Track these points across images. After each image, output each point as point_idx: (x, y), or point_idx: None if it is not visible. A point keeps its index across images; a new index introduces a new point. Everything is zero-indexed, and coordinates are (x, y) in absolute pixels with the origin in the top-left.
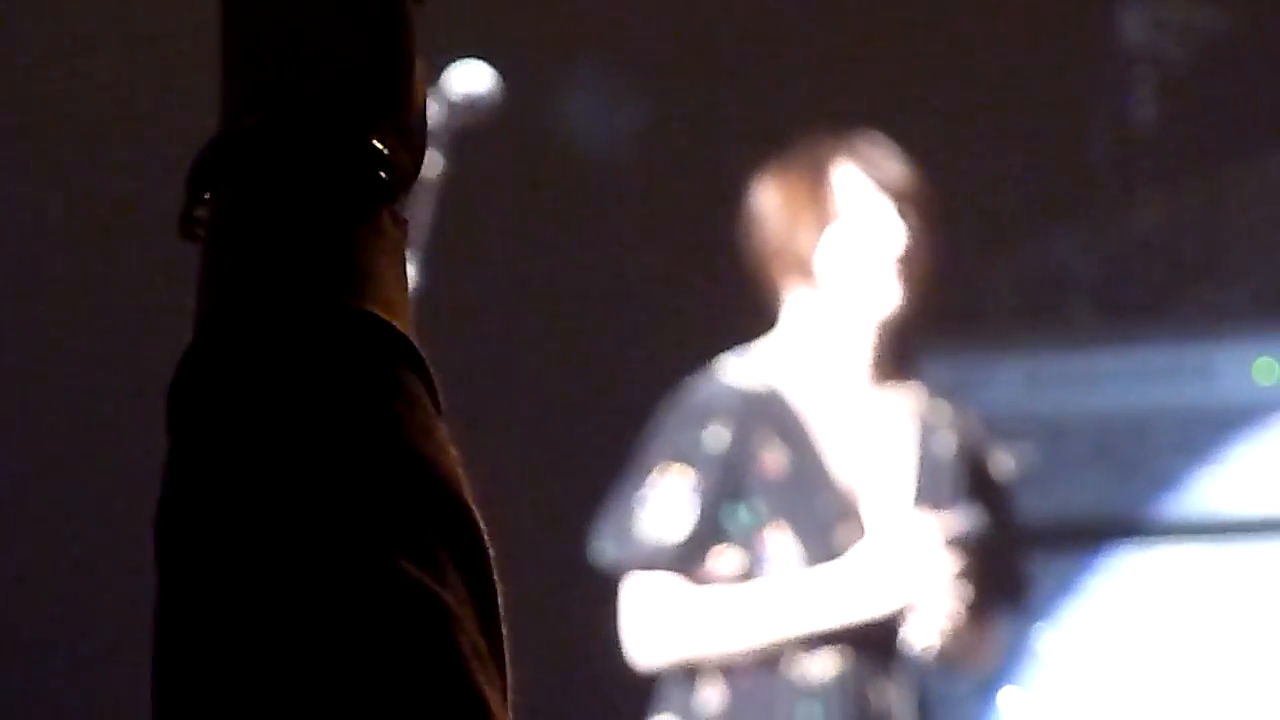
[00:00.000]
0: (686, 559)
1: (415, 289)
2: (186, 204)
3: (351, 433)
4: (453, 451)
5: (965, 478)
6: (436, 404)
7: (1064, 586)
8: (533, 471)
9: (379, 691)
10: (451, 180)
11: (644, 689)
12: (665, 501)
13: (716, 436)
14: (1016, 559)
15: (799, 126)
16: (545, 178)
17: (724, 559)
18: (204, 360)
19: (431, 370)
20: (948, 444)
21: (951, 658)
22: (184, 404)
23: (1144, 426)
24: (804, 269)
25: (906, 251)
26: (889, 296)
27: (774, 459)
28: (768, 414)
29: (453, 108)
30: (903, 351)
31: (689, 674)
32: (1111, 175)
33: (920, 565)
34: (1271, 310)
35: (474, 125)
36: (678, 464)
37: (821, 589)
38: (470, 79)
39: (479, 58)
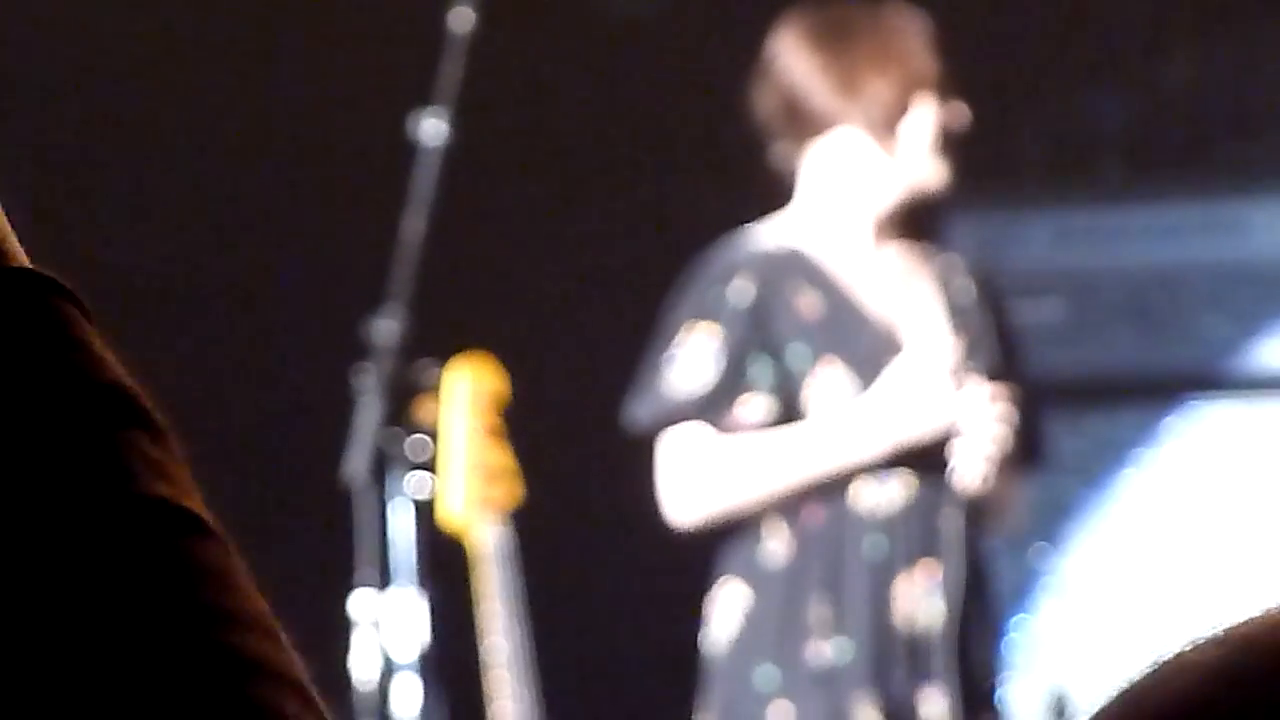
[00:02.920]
0: (711, 408)
1: (444, 141)
2: None
3: (31, 364)
4: (112, 355)
5: (985, 325)
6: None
7: (1096, 443)
8: (567, 344)
9: None
10: (481, 38)
11: (704, 557)
12: (690, 358)
13: (741, 291)
14: (1033, 412)
15: None
16: (573, 35)
17: (750, 406)
18: None
19: (80, 297)
20: (965, 290)
21: (982, 505)
22: None
23: (1176, 282)
24: (881, 125)
25: (937, 130)
26: (922, 171)
27: (808, 303)
28: (793, 266)
29: None
30: (920, 212)
31: (751, 529)
32: (1142, 29)
33: (957, 384)
34: None
35: None
36: (703, 321)
37: (865, 417)
38: None
39: None
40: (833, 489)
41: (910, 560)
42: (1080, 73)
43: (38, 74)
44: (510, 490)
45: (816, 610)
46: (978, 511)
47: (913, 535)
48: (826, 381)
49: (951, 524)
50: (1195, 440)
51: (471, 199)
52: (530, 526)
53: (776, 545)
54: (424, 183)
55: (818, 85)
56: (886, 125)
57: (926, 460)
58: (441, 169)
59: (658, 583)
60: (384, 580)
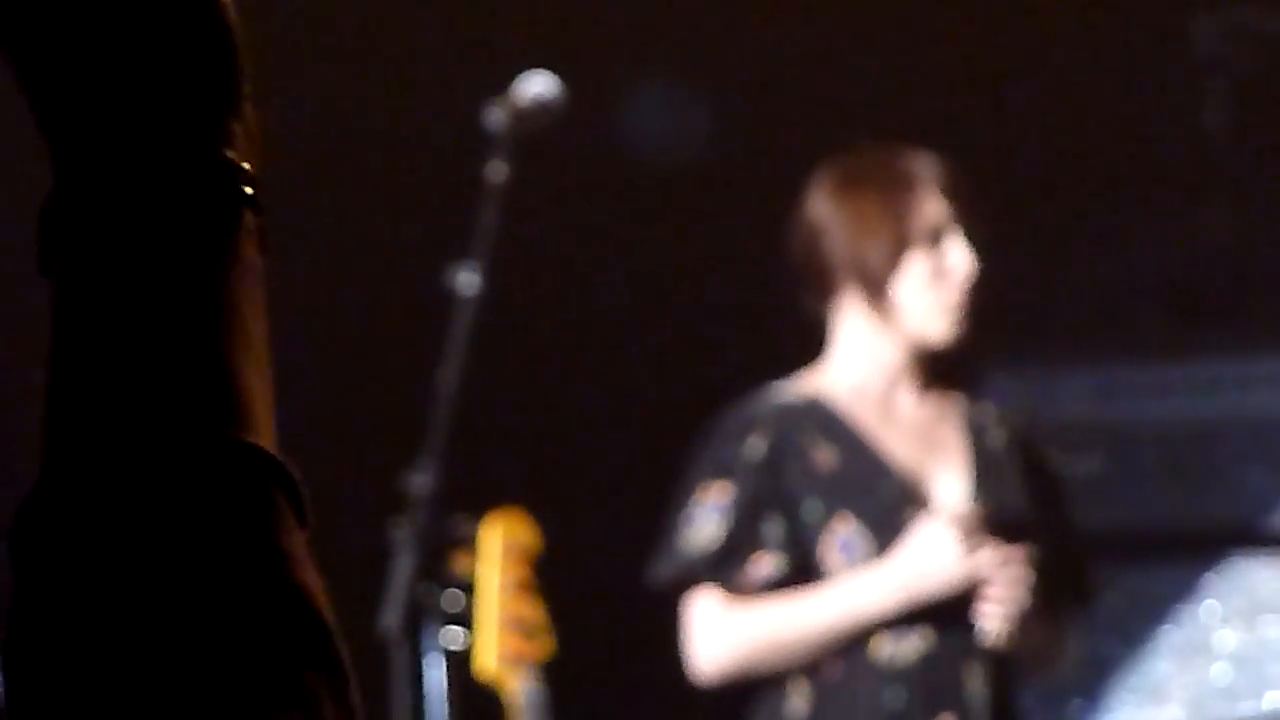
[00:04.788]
0: (722, 568)
1: (477, 292)
2: (40, 254)
3: (224, 569)
4: (315, 573)
5: (1019, 474)
6: (304, 519)
7: (1134, 598)
8: (599, 497)
9: None
10: (515, 186)
11: (734, 713)
12: (702, 516)
13: (753, 447)
14: (1077, 555)
15: (859, 137)
16: (607, 186)
17: (762, 564)
18: (56, 502)
19: (299, 483)
20: (998, 439)
21: (1021, 654)
22: (32, 547)
23: (1214, 437)
24: (872, 284)
25: (978, 281)
26: (956, 325)
27: (823, 457)
28: (811, 419)
29: (519, 114)
30: (952, 362)
31: (776, 684)
32: (1182, 183)
33: (977, 544)
34: None
35: (539, 132)
36: (717, 480)
37: (883, 579)
38: (536, 87)
39: (545, 66)
40: (852, 643)
41: (930, 713)
42: (1119, 226)
43: None
44: (543, 644)
45: None
46: (1006, 667)
47: (932, 687)
48: (840, 537)
49: (975, 679)
50: (1235, 596)
51: (505, 351)
52: (561, 680)
53: (798, 701)
54: (458, 334)
55: (833, 237)
56: (878, 282)
57: (946, 613)
58: (475, 321)
59: None
60: None
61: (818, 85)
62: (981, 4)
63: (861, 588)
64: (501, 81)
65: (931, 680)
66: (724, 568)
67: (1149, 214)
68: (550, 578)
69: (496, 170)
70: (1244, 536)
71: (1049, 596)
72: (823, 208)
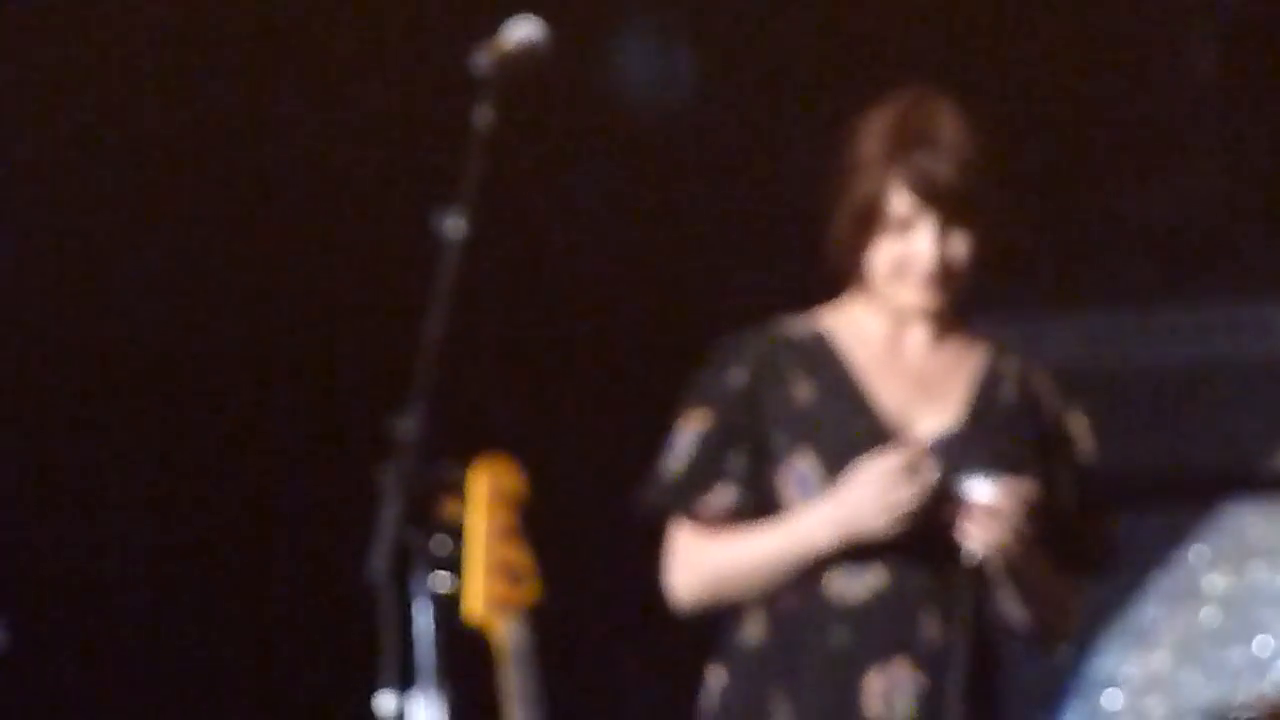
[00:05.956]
0: (682, 495)
1: (463, 237)
2: None
3: None
4: None
5: (1028, 428)
6: None
7: (1123, 544)
8: (586, 442)
9: None
10: (500, 132)
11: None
12: (679, 442)
13: (736, 377)
14: (1087, 522)
15: (848, 80)
16: (593, 131)
17: (719, 494)
18: None
19: None
20: (1012, 392)
21: (1030, 621)
22: None
23: (1202, 382)
24: (844, 262)
25: (950, 260)
26: (936, 299)
27: (803, 392)
28: (802, 353)
29: (505, 59)
30: (967, 310)
31: (737, 612)
32: (1170, 128)
33: (923, 480)
34: None
35: (525, 77)
36: (699, 408)
37: (818, 516)
38: (523, 31)
39: (531, 11)
40: (808, 577)
41: (881, 655)
42: (1107, 172)
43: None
44: (530, 589)
45: (776, 696)
46: (975, 614)
47: (883, 628)
48: (798, 471)
49: (932, 623)
50: (1223, 540)
51: (491, 297)
52: (547, 625)
53: (753, 629)
54: (444, 280)
55: (871, 179)
56: (848, 263)
57: (905, 552)
58: (462, 266)
59: (676, 672)
60: (405, 679)
61: (806, 27)
62: None
63: (803, 523)
64: (488, 26)
65: (883, 621)
66: (687, 496)
67: (1137, 159)
68: (536, 523)
69: (483, 115)
70: (1232, 481)
71: (1055, 559)
72: (863, 152)
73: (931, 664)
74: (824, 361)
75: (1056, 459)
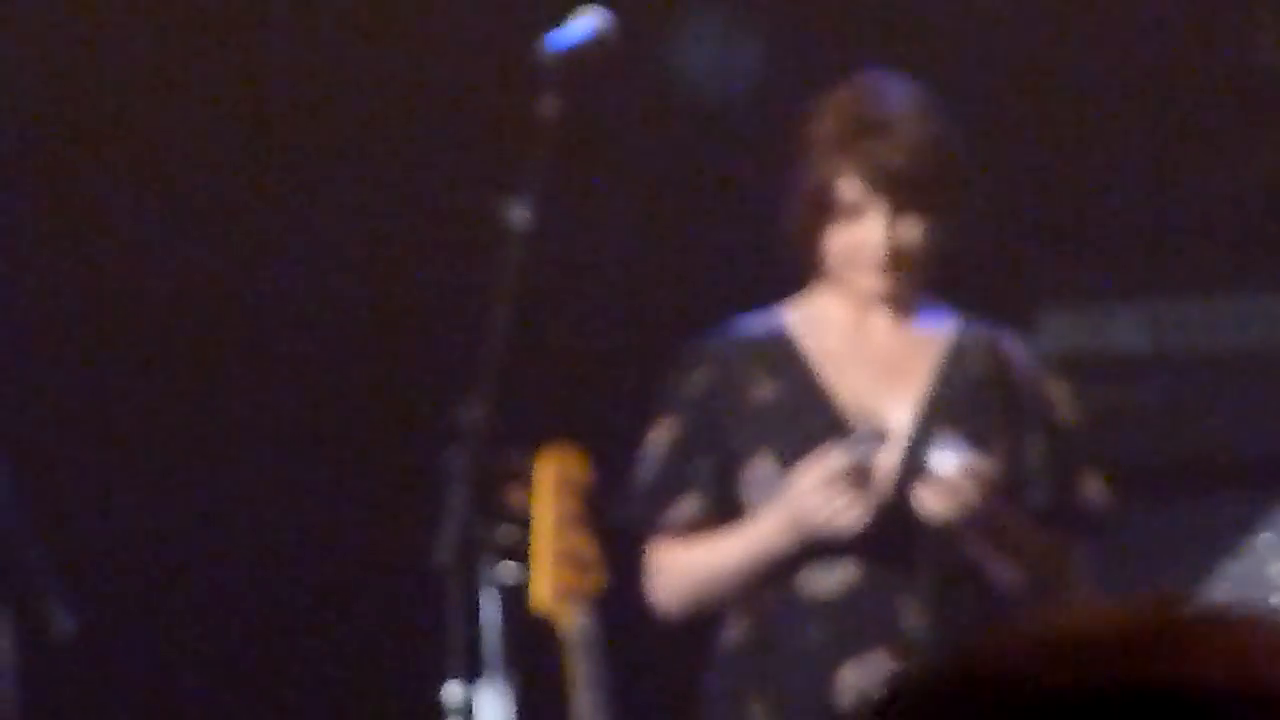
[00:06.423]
0: (651, 508)
1: (529, 227)
2: None
3: None
4: None
5: (998, 400)
6: None
7: (1191, 530)
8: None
9: None
10: (567, 122)
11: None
12: (648, 454)
13: (695, 383)
14: (1072, 482)
15: (904, 63)
16: (659, 121)
17: (685, 505)
18: None
19: None
20: (978, 365)
21: (1022, 582)
22: None
23: (1269, 369)
24: (798, 249)
25: (902, 246)
26: (891, 282)
27: (762, 392)
28: (761, 352)
29: (572, 50)
30: (948, 284)
31: (721, 615)
32: (1234, 114)
33: (872, 474)
34: None
35: (592, 67)
36: (664, 417)
37: (772, 518)
38: (590, 22)
39: (597, 1)
40: (782, 576)
41: (859, 649)
42: (1171, 158)
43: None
44: (596, 578)
45: (753, 695)
46: (953, 597)
47: (858, 622)
48: (757, 473)
49: (912, 612)
50: None
51: (557, 285)
52: (613, 614)
53: (735, 632)
54: (510, 268)
55: (821, 166)
56: (802, 250)
57: (876, 545)
58: (527, 255)
59: None
60: (472, 668)
61: (868, 13)
62: None
63: (759, 528)
64: (555, 16)
65: (858, 615)
66: (656, 507)
67: (1201, 145)
68: (602, 512)
69: (549, 105)
70: None
71: (1042, 519)
72: (817, 137)
73: (914, 652)
74: (784, 359)
75: (1031, 424)
